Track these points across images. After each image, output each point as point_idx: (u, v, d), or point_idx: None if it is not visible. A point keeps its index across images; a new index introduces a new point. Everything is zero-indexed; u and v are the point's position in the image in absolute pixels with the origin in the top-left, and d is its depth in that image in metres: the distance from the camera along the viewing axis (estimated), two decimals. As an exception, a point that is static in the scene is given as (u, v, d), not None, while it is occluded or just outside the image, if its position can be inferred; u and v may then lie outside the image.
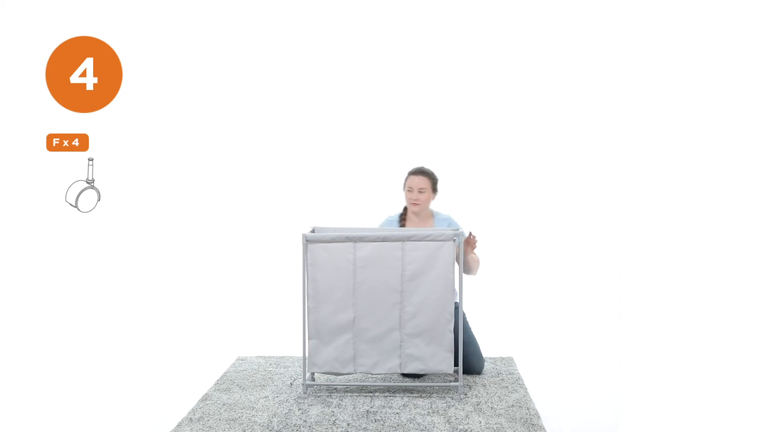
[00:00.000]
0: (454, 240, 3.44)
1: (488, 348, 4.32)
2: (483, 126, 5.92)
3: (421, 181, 3.75)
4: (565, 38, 5.86)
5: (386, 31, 5.79)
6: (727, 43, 5.72)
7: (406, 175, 3.81)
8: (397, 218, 3.84)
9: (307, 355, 3.55)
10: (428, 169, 3.80)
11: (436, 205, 3.96)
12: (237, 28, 5.87)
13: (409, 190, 3.76)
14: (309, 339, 3.51)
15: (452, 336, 3.47)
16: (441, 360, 3.47)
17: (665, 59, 5.80)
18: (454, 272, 3.45)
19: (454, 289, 3.47)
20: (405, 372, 3.51)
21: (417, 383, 3.62)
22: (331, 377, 3.71)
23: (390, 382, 3.69)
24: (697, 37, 5.75)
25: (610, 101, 5.91)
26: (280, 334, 4.52)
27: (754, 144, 5.73)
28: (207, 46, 5.90)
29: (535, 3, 5.85)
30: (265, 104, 5.94)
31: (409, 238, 3.45)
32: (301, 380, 3.71)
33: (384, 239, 3.45)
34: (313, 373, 3.63)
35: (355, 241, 3.45)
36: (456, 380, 3.62)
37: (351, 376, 3.72)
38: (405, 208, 3.85)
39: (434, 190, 3.80)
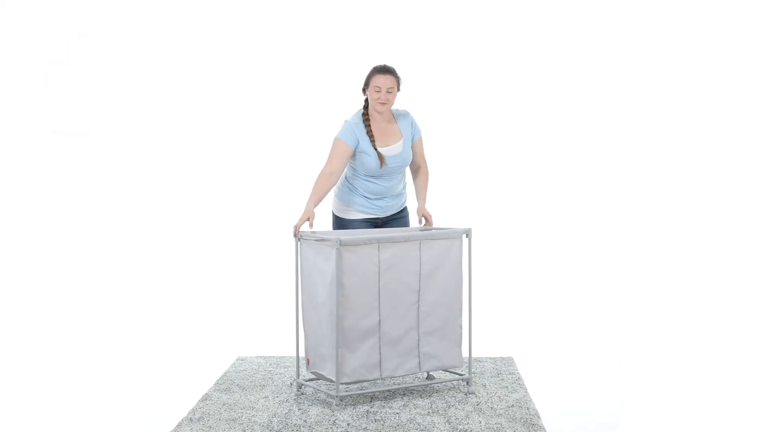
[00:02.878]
0: (466, 236, 3.49)
1: (488, 348, 4.32)
2: (483, 125, 5.92)
3: (389, 81, 3.59)
4: (565, 37, 5.86)
5: (384, 30, 5.78)
6: (727, 42, 5.71)
7: (369, 74, 3.63)
8: (360, 121, 3.65)
9: (337, 363, 3.31)
10: (393, 68, 3.65)
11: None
12: (236, 28, 5.87)
13: (376, 90, 3.58)
14: (337, 347, 3.30)
15: (461, 331, 3.53)
16: (454, 355, 3.53)
17: (665, 59, 5.80)
18: (462, 268, 3.51)
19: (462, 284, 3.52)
20: (422, 371, 3.50)
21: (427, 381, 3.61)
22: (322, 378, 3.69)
23: (390, 382, 3.69)
24: (697, 37, 5.75)
25: (610, 99, 5.90)
26: (280, 334, 4.52)
27: (754, 143, 5.73)
28: (206, 45, 5.90)
29: (536, 2, 5.85)
30: (265, 104, 5.94)
31: (426, 237, 3.45)
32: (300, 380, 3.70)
33: (406, 239, 3.41)
34: (303, 375, 3.62)
35: (379, 243, 3.36)
36: (463, 377, 3.60)
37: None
38: (365, 108, 3.68)
39: (398, 88, 3.66)
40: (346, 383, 3.39)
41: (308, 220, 3.52)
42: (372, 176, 3.68)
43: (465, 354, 3.66)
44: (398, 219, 3.83)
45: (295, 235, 3.52)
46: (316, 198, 3.58)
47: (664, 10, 5.73)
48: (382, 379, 3.49)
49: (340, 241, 3.26)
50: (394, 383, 3.64)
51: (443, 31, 5.84)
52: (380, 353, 3.40)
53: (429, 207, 3.81)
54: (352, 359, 3.34)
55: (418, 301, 3.46)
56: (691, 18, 5.71)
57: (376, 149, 3.62)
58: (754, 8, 5.61)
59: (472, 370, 3.89)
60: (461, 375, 3.64)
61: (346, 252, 3.28)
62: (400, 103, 3.81)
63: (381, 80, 3.59)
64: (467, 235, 3.52)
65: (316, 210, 3.57)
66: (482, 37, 5.85)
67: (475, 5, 5.83)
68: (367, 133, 3.62)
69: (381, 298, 3.38)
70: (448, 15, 5.84)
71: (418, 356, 3.48)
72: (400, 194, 3.82)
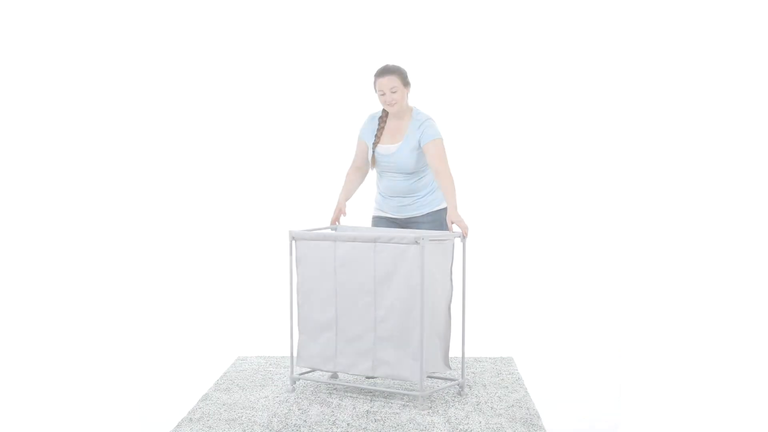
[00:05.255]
0: (417, 243, 3.27)
1: (488, 348, 4.32)
2: (483, 124, 5.92)
3: (391, 81, 3.54)
4: (565, 37, 5.86)
5: (383, 28, 5.78)
6: (727, 42, 5.71)
7: (373, 78, 3.59)
8: (377, 116, 3.70)
9: (295, 349, 3.61)
10: (393, 66, 3.58)
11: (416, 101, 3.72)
12: (236, 28, 5.88)
13: (381, 94, 3.56)
14: (299, 334, 3.58)
15: (419, 344, 3.30)
16: (406, 367, 3.35)
17: (665, 59, 5.80)
18: (422, 276, 3.26)
19: (422, 293, 3.27)
20: (374, 375, 3.46)
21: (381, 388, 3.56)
22: (321, 375, 3.73)
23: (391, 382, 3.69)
24: (697, 37, 5.75)
25: (607, 101, 5.91)
26: (280, 334, 4.51)
27: (754, 143, 5.73)
28: (206, 46, 5.91)
29: (535, 2, 5.85)
30: (266, 104, 5.94)
31: (376, 240, 3.37)
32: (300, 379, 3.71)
33: (354, 239, 3.42)
34: (302, 372, 3.67)
35: (335, 240, 3.45)
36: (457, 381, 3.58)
37: (350, 376, 3.72)
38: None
39: (405, 84, 3.58)
40: (303, 367, 3.63)
41: (340, 212, 3.75)
42: (378, 172, 3.76)
43: (460, 358, 3.58)
44: (422, 223, 3.68)
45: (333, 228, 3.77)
46: (345, 190, 3.78)
47: (664, 11, 5.73)
48: (335, 371, 3.55)
49: (292, 234, 3.52)
50: (393, 383, 3.64)
51: (439, 31, 5.84)
52: (336, 348, 3.49)
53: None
54: (312, 347, 3.56)
55: (375, 303, 3.40)
56: (691, 18, 5.71)
57: (372, 146, 3.68)
58: (754, 8, 5.61)
59: (473, 370, 3.89)
60: (453, 380, 3.57)
61: (301, 245, 3.54)
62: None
63: (382, 83, 3.56)
64: (419, 243, 3.26)
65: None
66: (479, 37, 5.85)
67: (474, 6, 5.83)
68: (377, 129, 3.68)
69: (338, 295, 3.47)
70: (446, 16, 5.84)
71: (372, 359, 3.42)
72: (414, 196, 3.68)
